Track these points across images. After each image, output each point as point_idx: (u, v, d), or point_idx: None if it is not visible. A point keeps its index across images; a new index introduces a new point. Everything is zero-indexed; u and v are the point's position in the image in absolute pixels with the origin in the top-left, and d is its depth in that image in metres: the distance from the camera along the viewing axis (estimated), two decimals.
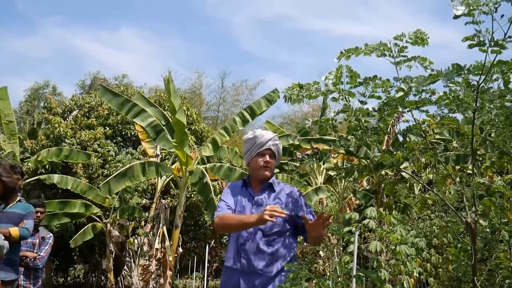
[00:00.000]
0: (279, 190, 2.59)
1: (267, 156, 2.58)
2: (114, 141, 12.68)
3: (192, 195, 11.78)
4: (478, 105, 2.07)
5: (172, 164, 10.54)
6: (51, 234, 4.97)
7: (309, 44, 47.79)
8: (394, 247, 3.42)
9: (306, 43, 47.79)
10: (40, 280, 4.74)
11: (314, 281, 2.46)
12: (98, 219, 10.14)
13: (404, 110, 2.20)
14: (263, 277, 2.40)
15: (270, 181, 2.59)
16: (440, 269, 4.15)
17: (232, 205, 2.55)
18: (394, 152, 2.55)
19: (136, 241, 9.74)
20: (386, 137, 7.77)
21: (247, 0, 46.85)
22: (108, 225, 9.97)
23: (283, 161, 9.51)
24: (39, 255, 4.66)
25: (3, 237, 3.60)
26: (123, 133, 13.08)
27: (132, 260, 9.61)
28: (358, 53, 2.11)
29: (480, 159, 2.64)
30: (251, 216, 2.36)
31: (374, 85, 2.15)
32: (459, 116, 2.44)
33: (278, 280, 2.38)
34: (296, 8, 45.83)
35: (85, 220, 10.49)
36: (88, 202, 9.69)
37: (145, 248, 9.47)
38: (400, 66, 2.12)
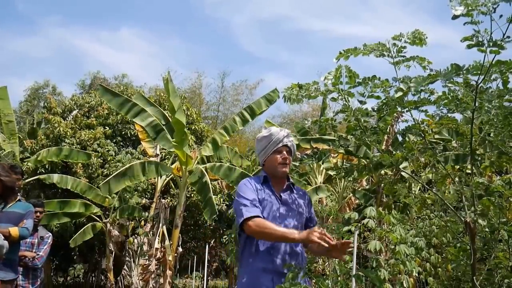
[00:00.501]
0: (296, 192, 2.60)
1: (285, 153, 2.53)
2: (114, 140, 12.69)
3: (192, 195, 11.79)
4: (477, 105, 2.08)
5: (172, 163, 10.55)
6: (50, 234, 4.97)
7: (308, 45, 47.85)
8: (393, 247, 3.42)
9: (306, 44, 47.85)
10: (38, 280, 4.74)
11: (314, 281, 2.47)
12: (98, 219, 10.15)
13: (403, 110, 2.21)
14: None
15: (291, 181, 2.60)
16: (439, 269, 4.15)
17: (258, 203, 2.41)
18: (394, 152, 2.55)
19: (136, 240, 9.75)
20: (385, 137, 7.77)
21: (247, 1, 46.90)
22: (108, 224, 9.97)
23: None
24: (38, 254, 4.66)
25: (3, 237, 3.60)
26: (123, 132, 13.08)
27: (132, 259, 9.62)
28: (357, 54, 2.11)
29: (479, 158, 2.65)
30: (293, 232, 2.26)
31: (373, 85, 2.16)
32: (458, 116, 2.45)
33: (302, 280, 2.36)
34: (296, 9, 45.92)
35: (84, 220, 10.50)
36: (88, 202, 9.70)
37: (145, 247, 9.48)
38: (399, 66, 2.12)
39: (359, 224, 3.40)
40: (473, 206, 2.37)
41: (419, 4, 46.59)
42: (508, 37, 1.83)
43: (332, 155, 8.53)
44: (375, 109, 2.27)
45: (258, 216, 2.32)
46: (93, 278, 15.59)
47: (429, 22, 41.92)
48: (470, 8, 1.82)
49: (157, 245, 9.25)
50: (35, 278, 4.68)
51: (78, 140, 11.57)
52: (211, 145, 8.78)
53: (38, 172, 10.53)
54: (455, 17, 1.85)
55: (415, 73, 2.11)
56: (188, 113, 13.48)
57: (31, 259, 4.59)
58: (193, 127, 13.71)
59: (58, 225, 10.17)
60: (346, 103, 2.29)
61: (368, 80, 2.16)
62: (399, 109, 2.19)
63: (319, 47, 47.57)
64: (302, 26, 46.43)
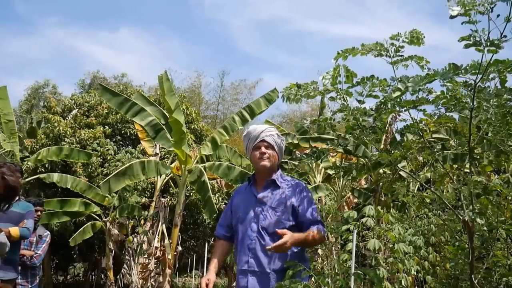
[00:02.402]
0: (283, 186, 2.52)
1: (263, 148, 2.53)
2: (114, 140, 12.69)
3: (192, 194, 11.81)
4: (475, 104, 2.09)
5: (172, 162, 10.56)
6: (48, 232, 4.99)
7: (306, 46, 47.87)
8: (392, 245, 3.44)
9: (303, 45, 47.88)
10: (37, 278, 4.76)
11: (313, 279, 2.48)
12: (97, 218, 10.15)
13: (401, 110, 2.21)
14: (271, 276, 2.38)
15: (273, 177, 2.53)
16: (437, 267, 4.17)
17: (226, 223, 2.68)
18: (392, 151, 2.56)
19: (135, 239, 9.77)
20: (384, 136, 7.79)
21: (245, 3, 46.88)
22: (108, 223, 9.98)
23: (283, 160, 9.52)
24: (36, 253, 4.68)
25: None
26: (123, 132, 13.09)
27: (131, 258, 9.63)
28: (355, 54, 2.11)
29: (478, 157, 2.66)
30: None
31: (371, 85, 2.16)
32: (456, 115, 2.45)
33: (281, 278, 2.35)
34: (293, 11, 45.92)
35: (84, 219, 10.51)
36: (88, 201, 9.70)
37: (145, 246, 9.49)
38: (397, 66, 2.13)
39: (358, 223, 3.41)
40: (471, 205, 2.38)
41: (416, 6, 46.58)
42: (505, 36, 1.84)
43: (331, 154, 8.54)
44: (374, 109, 2.27)
45: (221, 236, 2.69)
46: (93, 276, 15.60)
47: (425, 24, 41.96)
48: (467, 8, 1.82)
49: (156, 244, 9.26)
50: (34, 277, 4.69)
51: (77, 139, 11.57)
52: (211, 144, 8.78)
53: (38, 171, 10.54)
54: (452, 17, 1.85)
55: (413, 73, 2.11)
56: (188, 112, 13.48)
57: (29, 257, 4.61)
58: (192, 126, 13.71)
59: (58, 224, 10.17)
60: (345, 103, 2.30)
61: (366, 79, 2.17)
62: (397, 108, 2.20)
63: (316, 48, 47.64)
64: (299, 27, 46.46)
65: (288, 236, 2.28)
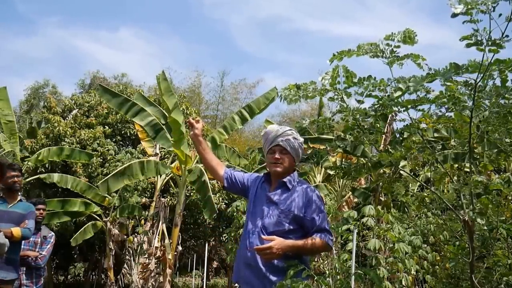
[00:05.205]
0: (294, 190, 2.51)
1: (277, 153, 2.52)
2: (114, 140, 12.69)
3: (192, 194, 11.80)
4: (474, 103, 2.08)
5: (172, 162, 10.56)
6: (53, 233, 4.98)
7: (306, 45, 47.82)
8: (392, 245, 3.44)
9: (303, 44, 47.82)
10: (42, 279, 4.76)
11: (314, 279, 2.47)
12: (98, 218, 10.16)
13: (400, 110, 2.20)
14: (265, 271, 2.38)
15: (285, 179, 2.52)
16: (437, 267, 4.16)
17: (241, 178, 2.71)
18: (392, 151, 2.55)
19: (136, 239, 9.77)
20: (383, 136, 7.77)
21: (244, 1, 46.88)
22: (108, 223, 9.99)
23: None
24: (41, 254, 4.67)
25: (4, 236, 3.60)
26: (123, 132, 13.09)
27: (132, 258, 9.64)
28: (351, 55, 2.10)
29: (478, 157, 2.65)
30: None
31: (369, 85, 2.15)
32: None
33: (273, 277, 2.36)
34: (292, 9, 45.89)
35: (85, 219, 10.51)
36: (88, 201, 9.71)
37: (145, 246, 9.49)
38: (393, 65, 2.12)
39: (358, 223, 3.41)
40: (471, 204, 2.37)
41: (416, 4, 46.57)
42: (507, 36, 1.83)
43: (331, 154, 8.54)
44: (372, 109, 2.27)
45: (228, 171, 2.75)
46: (94, 276, 15.61)
47: (426, 22, 41.86)
48: (469, 6, 1.82)
49: (157, 243, 9.26)
50: (38, 277, 4.69)
51: (78, 139, 11.57)
52: (210, 144, 8.77)
53: (38, 171, 10.54)
54: (454, 15, 1.84)
55: (411, 72, 2.10)
56: (188, 112, 13.48)
57: (33, 258, 4.60)
58: None
59: (58, 224, 10.17)
60: (344, 104, 2.29)
61: (364, 80, 2.16)
62: (396, 108, 2.19)
63: (317, 47, 47.56)
64: (299, 26, 46.43)
65: (275, 242, 2.29)
